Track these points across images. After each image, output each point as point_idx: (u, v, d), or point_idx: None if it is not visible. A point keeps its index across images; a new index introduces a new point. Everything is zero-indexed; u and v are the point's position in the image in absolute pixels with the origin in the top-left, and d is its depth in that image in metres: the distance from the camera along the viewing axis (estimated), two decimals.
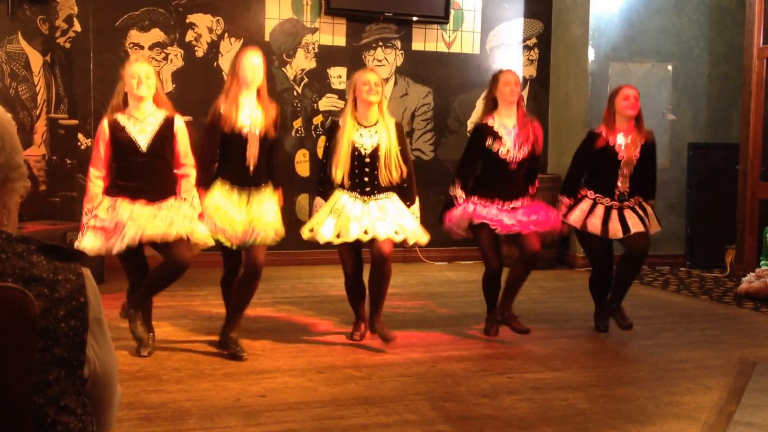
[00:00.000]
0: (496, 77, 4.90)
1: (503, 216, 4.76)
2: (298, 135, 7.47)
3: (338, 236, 4.52)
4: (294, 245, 7.45)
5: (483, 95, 5.03)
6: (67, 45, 6.81)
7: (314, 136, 7.47)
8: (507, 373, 4.22)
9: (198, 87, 7.06)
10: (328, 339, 4.81)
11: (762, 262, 6.65)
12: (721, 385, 4.05)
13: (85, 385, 1.41)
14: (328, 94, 7.51)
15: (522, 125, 4.83)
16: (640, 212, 4.97)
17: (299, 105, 7.47)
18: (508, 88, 4.80)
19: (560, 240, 7.73)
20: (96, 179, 4.34)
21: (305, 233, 4.66)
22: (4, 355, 1.25)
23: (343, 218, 4.54)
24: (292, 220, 7.75)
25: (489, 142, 4.80)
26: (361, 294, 4.81)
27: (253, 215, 4.45)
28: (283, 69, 7.38)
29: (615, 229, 4.87)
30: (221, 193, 4.47)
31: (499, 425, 3.47)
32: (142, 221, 4.22)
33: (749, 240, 7.23)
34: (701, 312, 5.93)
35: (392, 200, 4.66)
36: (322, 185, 4.76)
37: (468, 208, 4.81)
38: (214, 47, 7.21)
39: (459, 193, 4.86)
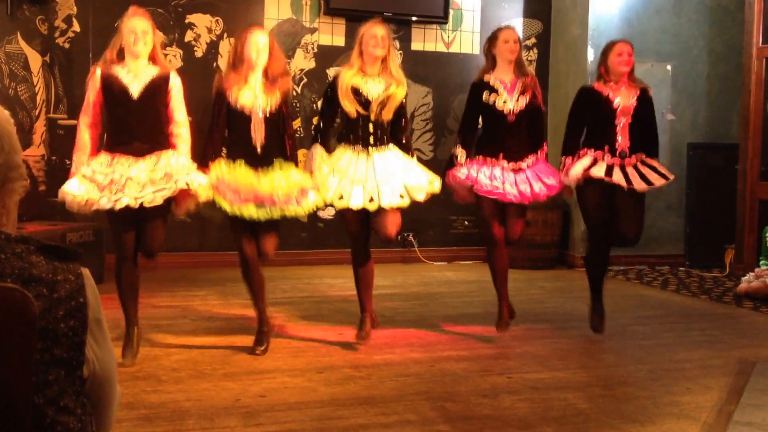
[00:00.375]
0: (495, 34, 4.85)
1: (507, 183, 4.66)
2: (297, 135, 7.46)
3: (340, 198, 4.44)
4: (293, 245, 7.47)
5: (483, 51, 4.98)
6: (67, 45, 6.81)
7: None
8: (507, 373, 4.22)
9: (197, 87, 7.04)
10: (328, 339, 4.81)
11: (761, 262, 6.65)
12: (721, 385, 4.05)
13: (84, 386, 1.41)
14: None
15: (520, 79, 4.77)
16: (643, 169, 4.83)
17: (298, 105, 7.48)
18: (508, 45, 4.75)
19: (560, 240, 7.74)
20: (85, 126, 4.21)
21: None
22: (4, 356, 1.25)
23: (346, 179, 4.46)
24: (291, 220, 7.75)
25: (486, 96, 4.75)
26: (367, 265, 4.64)
27: (265, 184, 4.35)
28: None
29: (618, 178, 4.71)
30: (227, 168, 4.38)
31: (499, 425, 3.47)
32: (140, 185, 4.08)
33: (749, 240, 7.24)
34: (701, 312, 5.93)
35: (395, 152, 4.59)
36: (321, 134, 4.64)
37: (471, 174, 4.70)
38: (213, 47, 7.21)
39: (459, 151, 4.80)
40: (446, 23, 7.79)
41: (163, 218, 4.27)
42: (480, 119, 4.91)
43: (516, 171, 4.74)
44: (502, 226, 4.80)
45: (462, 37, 7.92)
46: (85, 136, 4.22)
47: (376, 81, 4.58)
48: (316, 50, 7.48)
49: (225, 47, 7.19)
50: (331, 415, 3.52)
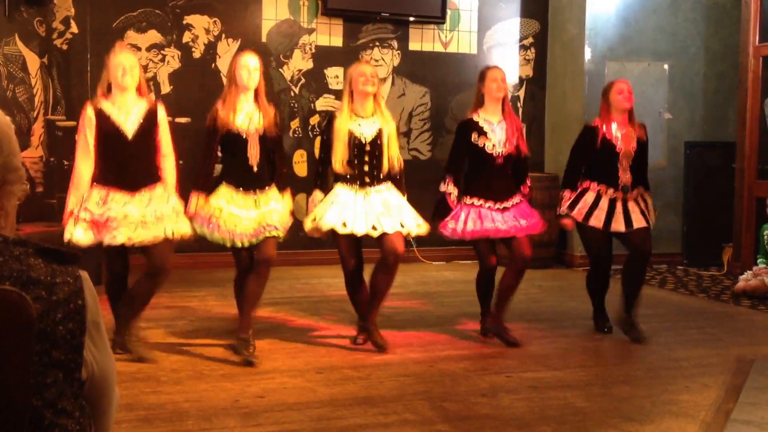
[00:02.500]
0: (483, 74, 4.94)
1: (498, 222, 4.74)
2: (295, 135, 7.47)
3: (344, 225, 4.50)
4: (292, 246, 7.46)
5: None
6: (64, 47, 6.81)
7: (311, 136, 7.47)
8: (505, 373, 4.23)
9: (195, 88, 7.06)
10: (327, 339, 4.81)
11: (759, 260, 6.66)
12: (719, 384, 4.06)
13: (83, 388, 1.41)
14: (326, 95, 7.51)
15: (508, 121, 4.86)
16: (642, 205, 4.99)
17: (296, 105, 7.48)
18: (495, 84, 4.82)
19: (558, 239, 7.75)
20: (84, 167, 4.33)
21: (308, 224, 4.65)
22: (2, 358, 1.25)
23: (348, 209, 4.54)
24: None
25: (474, 137, 4.82)
26: (363, 291, 4.75)
27: (262, 213, 4.48)
28: (280, 70, 7.39)
29: (618, 224, 4.87)
30: (226, 196, 4.48)
31: (498, 424, 3.48)
32: (133, 225, 4.25)
33: (746, 238, 7.24)
34: (698, 310, 5.94)
35: (391, 191, 4.68)
36: (320, 178, 4.76)
37: (458, 229, 4.76)
38: (211, 48, 7.21)
39: (450, 189, 4.86)
40: (444, 23, 7.79)
41: (169, 243, 4.40)
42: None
43: (502, 211, 4.80)
44: (494, 254, 4.88)
45: (459, 37, 7.93)
46: (83, 174, 4.34)
47: (369, 122, 4.66)
48: (314, 51, 7.49)
49: (223, 48, 7.20)
50: (330, 416, 3.52)
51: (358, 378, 4.07)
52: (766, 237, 6.65)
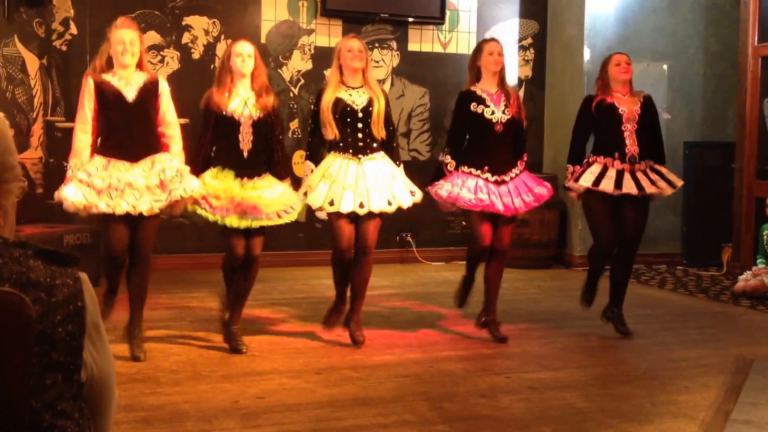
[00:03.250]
0: (480, 47, 4.94)
1: (492, 196, 4.71)
2: (295, 136, 7.47)
3: (331, 204, 4.51)
4: (291, 246, 7.47)
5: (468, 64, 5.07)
6: (64, 48, 6.81)
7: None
8: (505, 373, 4.23)
9: (194, 89, 7.03)
10: (326, 340, 4.81)
11: (758, 260, 6.66)
12: (719, 384, 4.06)
13: (82, 390, 1.41)
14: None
15: (504, 91, 4.87)
16: (653, 176, 4.93)
17: (296, 106, 7.48)
18: (492, 57, 4.83)
19: (558, 239, 7.75)
20: (82, 134, 4.28)
21: (299, 196, 4.63)
22: (1, 360, 1.25)
23: (337, 185, 4.54)
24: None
25: (474, 106, 4.82)
26: (347, 272, 4.72)
27: (249, 195, 4.44)
28: (279, 71, 7.39)
29: (629, 186, 4.81)
30: (214, 177, 4.47)
31: (498, 425, 3.48)
32: (138, 191, 4.18)
33: (746, 238, 7.25)
34: (698, 310, 5.94)
35: (384, 160, 4.70)
36: (310, 149, 4.78)
37: (453, 191, 4.72)
38: (210, 49, 7.21)
39: (448, 160, 4.85)
40: (443, 24, 7.79)
41: (157, 222, 4.38)
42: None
43: (498, 184, 4.78)
44: (489, 232, 4.80)
45: (458, 38, 7.93)
46: (82, 141, 4.28)
47: (359, 92, 4.69)
48: (313, 52, 7.49)
49: (222, 49, 7.19)
50: (329, 416, 3.52)
51: (357, 379, 4.07)
52: (765, 237, 6.65)
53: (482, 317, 4.94)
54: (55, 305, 1.33)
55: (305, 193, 4.60)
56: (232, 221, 4.40)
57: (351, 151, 4.62)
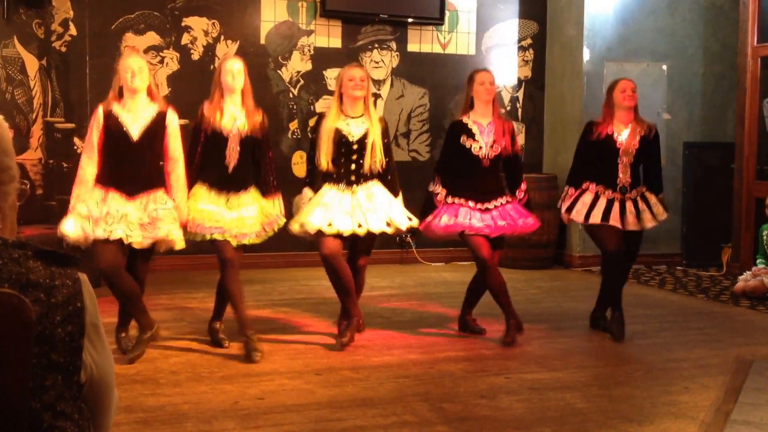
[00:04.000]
0: (472, 77, 5.01)
1: (474, 220, 4.80)
2: (294, 137, 7.47)
3: (329, 225, 4.54)
4: (291, 247, 7.47)
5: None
6: (63, 49, 6.81)
7: (310, 137, 7.47)
8: (505, 374, 4.23)
9: (194, 90, 7.05)
10: (326, 341, 4.81)
11: (758, 261, 6.66)
12: (719, 384, 4.06)
13: (81, 390, 1.41)
14: (324, 96, 7.51)
15: (496, 123, 4.91)
16: (642, 205, 5.01)
17: (295, 107, 7.48)
18: (483, 87, 4.90)
19: (558, 240, 7.75)
20: (87, 166, 4.38)
21: (295, 227, 4.69)
22: (1, 361, 1.25)
23: (333, 210, 4.59)
24: (289, 221, 7.73)
25: (463, 139, 4.88)
26: (343, 277, 4.70)
27: (233, 219, 4.53)
28: (278, 71, 7.39)
29: (614, 220, 4.92)
30: (200, 196, 4.56)
31: (497, 426, 3.48)
32: (132, 224, 4.30)
33: (745, 238, 7.25)
34: (698, 311, 5.94)
35: (379, 187, 4.74)
36: (310, 177, 4.84)
37: (440, 223, 4.84)
38: (209, 50, 7.21)
39: (438, 189, 4.93)
40: (442, 24, 7.79)
41: (150, 257, 4.58)
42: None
43: (483, 212, 4.86)
44: (489, 246, 4.86)
45: (458, 39, 7.93)
46: (87, 173, 4.38)
47: (358, 122, 4.72)
48: (312, 52, 7.49)
49: (222, 50, 7.19)
50: (329, 417, 3.52)
51: (357, 379, 4.07)
52: (765, 237, 6.65)
53: (508, 336, 4.90)
54: (55, 306, 1.33)
55: (301, 224, 4.64)
56: (223, 236, 4.49)
57: (344, 181, 4.67)
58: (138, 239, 4.31)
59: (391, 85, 7.74)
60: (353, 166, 4.68)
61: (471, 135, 4.88)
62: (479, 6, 7.97)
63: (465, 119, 4.94)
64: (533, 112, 8.23)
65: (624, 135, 4.99)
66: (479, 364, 4.41)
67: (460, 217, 4.81)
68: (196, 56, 7.17)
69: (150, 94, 4.47)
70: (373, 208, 4.64)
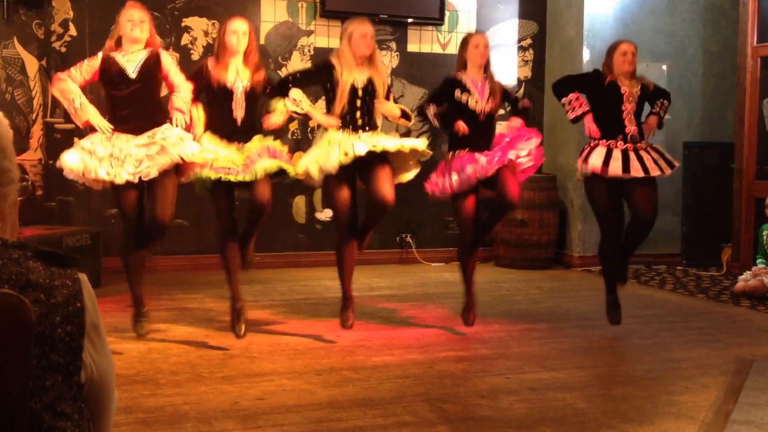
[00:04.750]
0: (466, 39, 5.09)
1: (481, 160, 4.78)
2: (294, 137, 7.47)
3: (346, 154, 4.53)
4: (291, 247, 7.47)
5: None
6: (63, 49, 6.81)
7: (310, 138, 7.46)
8: (505, 374, 4.23)
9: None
10: (326, 341, 4.81)
11: (758, 261, 6.66)
12: (719, 384, 4.06)
13: (81, 391, 1.41)
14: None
15: (490, 82, 4.99)
16: (654, 155, 5.00)
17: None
18: (478, 50, 4.97)
19: (558, 240, 7.75)
20: (69, 76, 4.47)
21: (300, 167, 4.66)
22: (1, 361, 1.25)
23: (345, 142, 4.57)
24: (288, 222, 7.76)
25: (458, 94, 4.93)
26: (353, 261, 4.79)
27: (247, 151, 4.61)
28: (278, 72, 7.39)
29: (636, 168, 4.87)
30: (210, 142, 4.62)
31: (498, 426, 3.48)
32: (138, 160, 4.33)
33: (745, 238, 7.25)
34: (698, 311, 5.94)
35: (383, 135, 4.80)
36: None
37: (446, 186, 4.85)
38: (209, 51, 7.20)
39: (434, 108, 4.94)
40: (442, 24, 7.79)
41: (172, 185, 4.47)
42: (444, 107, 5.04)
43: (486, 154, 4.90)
44: (477, 235, 4.96)
45: (458, 39, 7.91)
46: (68, 81, 4.47)
47: (361, 71, 4.75)
48: (312, 53, 7.49)
49: None
50: (329, 418, 3.52)
51: (357, 380, 4.07)
52: (765, 237, 6.65)
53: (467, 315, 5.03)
54: (55, 306, 1.33)
55: (315, 161, 4.61)
56: (238, 177, 4.53)
57: (351, 127, 4.69)
58: (145, 170, 4.33)
59: (391, 85, 7.73)
60: (358, 113, 4.71)
61: (466, 89, 4.93)
62: (479, 6, 7.97)
63: (459, 75, 5.00)
64: (533, 112, 8.22)
65: (626, 85, 5.02)
66: (479, 365, 4.41)
67: (469, 166, 4.79)
68: (196, 56, 7.16)
69: (149, 44, 4.54)
70: (384, 137, 4.68)
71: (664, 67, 7.89)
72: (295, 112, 4.73)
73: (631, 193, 4.95)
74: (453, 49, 7.92)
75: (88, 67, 4.52)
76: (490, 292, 6.04)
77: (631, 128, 4.96)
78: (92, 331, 1.42)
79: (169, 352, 4.51)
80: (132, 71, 4.48)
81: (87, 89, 4.64)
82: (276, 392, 3.85)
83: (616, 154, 4.90)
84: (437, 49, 7.87)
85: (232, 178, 4.53)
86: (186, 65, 7.09)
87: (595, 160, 4.90)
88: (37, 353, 1.29)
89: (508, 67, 8.10)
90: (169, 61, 4.62)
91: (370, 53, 4.75)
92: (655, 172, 4.90)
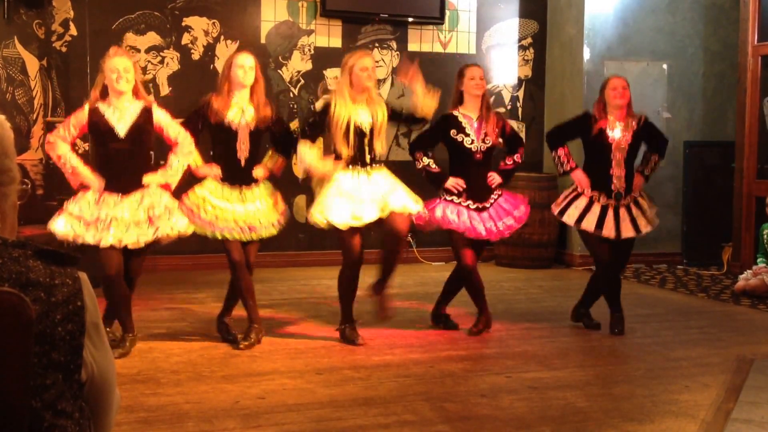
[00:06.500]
0: (462, 72, 5.03)
1: (475, 221, 4.85)
2: (294, 137, 7.46)
3: (356, 218, 4.54)
4: (292, 247, 7.47)
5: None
6: (64, 49, 6.81)
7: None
8: (505, 373, 4.23)
9: (194, 90, 7.04)
10: (326, 341, 4.81)
11: (759, 260, 6.66)
12: (719, 383, 4.06)
13: (82, 389, 1.41)
14: (325, 96, 7.50)
15: (486, 117, 4.94)
16: (636, 211, 4.99)
17: (295, 107, 7.48)
18: (474, 82, 4.93)
19: (558, 239, 7.75)
20: (59, 138, 4.41)
21: (314, 217, 4.64)
22: (1, 360, 1.25)
23: (356, 201, 4.58)
24: (289, 221, 7.74)
25: (453, 133, 4.91)
26: (356, 288, 4.80)
27: (247, 212, 4.60)
28: (279, 71, 7.39)
29: (608, 230, 4.91)
30: (210, 188, 4.61)
31: (498, 425, 3.48)
32: (125, 226, 4.31)
33: (746, 237, 7.24)
34: (698, 310, 5.94)
35: (385, 171, 4.79)
36: (306, 136, 4.74)
37: (437, 214, 4.87)
38: (210, 50, 7.21)
39: (425, 161, 4.94)
40: (442, 24, 7.79)
41: (145, 254, 4.56)
42: (438, 150, 5.09)
43: (479, 210, 4.90)
44: (473, 251, 4.96)
45: (458, 38, 7.93)
46: (61, 143, 4.43)
47: (363, 109, 4.74)
48: (312, 52, 7.49)
49: (222, 50, 7.19)
50: (330, 417, 3.53)
51: (358, 379, 4.08)
52: (765, 236, 6.65)
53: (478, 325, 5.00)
54: (55, 305, 1.33)
55: (321, 212, 4.61)
56: (233, 235, 4.56)
57: (359, 164, 4.70)
58: (132, 240, 4.31)
59: (392, 85, 7.73)
60: (366, 149, 4.71)
61: (461, 129, 4.91)
62: (479, 5, 7.97)
63: (455, 113, 4.97)
64: (533, 111, 8.23)
65: (617, 132, 4.96)
66: (480, 364, 4.41)
67: (463, 217, 4.85)
68: (196, 56, 7.16)
69: (135, 93, 4.45)
70: (390, 191, 4.65)
71: (665, 66, 7.89)
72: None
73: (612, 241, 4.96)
74: (453, 48, 7.93)
75: (76, 122, 4.41)
76: (490, 292, 6.01)
77: (617, 182, 4.93)
78: (92, 330, 1.42)
79: (170, 351, 4.51)
80: (121, 130, 4.37)
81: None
82: (277, 391, 3.85)
83: (595, 209, 4.93)
84: (438, 49, 7.87)
85: (218, 235, 4.55)
86: (186, 65, 7.11)
87: (572, 213, 4.97)
88: (37, 352, 1.29)
89: (508, 66, 8.10)
90: (162, 116, 4.50)
91: (370, 87, 4.73)
92: (627, 233, 4.92)
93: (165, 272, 6.74)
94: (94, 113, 4.39)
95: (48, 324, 1.32)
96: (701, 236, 7.84)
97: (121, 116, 4.39)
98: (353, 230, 4.61)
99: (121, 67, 4.34)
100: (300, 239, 7.53)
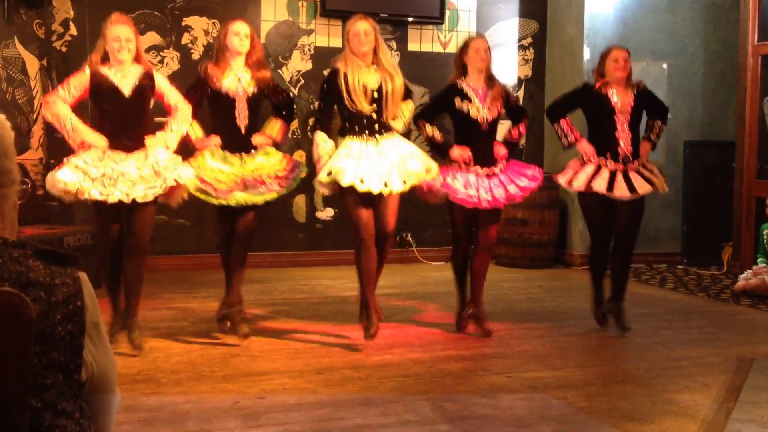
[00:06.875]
0: (466, 43, 4.98)
1: (481, 189, 4.77)
2: (294, 137, 7.47)
3: (362, 181, 4.46)
4: (292, 247, 7.47)
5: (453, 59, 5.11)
6: (64, 49, 6.81)
7: (311, 137, 7.47)
8: (505, 373, 4.23)
9: None
10: (327, 340, 4.81)
11: (759, 260, 6.66)
12: (719, 383, 4.06)
13: (82, 389, 1.41)
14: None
15: (491, 87, 4.90)
16: (646, 173, 4.95)
17: (296, 107, 7.46)
18: (478, 54, 4.87)
19: (558, 239, 7.75)
20: (59, 98, 4.31)
21: (322, 176, 4.55)
22: (1, 360, 1.25)
23: (363, 164, 4.50)
24: (289, 221, 7.77)
25: (458, 102, 4.85)
26: (375, 265, 4.72)
27: (255, 164, 4.61)
28: (279, 71, 7.39)
29: (621, 189, 4.83)
30: (212, 154, 4.60)
31: (498, 424, 3.48)
32: (131, 181, 4.24)
33: (746, 237, 7.24)
34: (698, 309, 5.94)
35: (398, 137, 4.72)
36: (321, 122, 4.70)
37: (447, 183, 4.77)
38: (210, 50, 7.20)
39: (429, 130, 4.86)
40: (442, 24, 7.79)
41: (152, 210, 4.43)
42: (443, 120, 5.07)
43: (489, 176, 4.84)
44: (470, 236, 4.93)
45: (458, 38, 7.91)
46: (58, 103, 4.31)
47: (371, 72, 4.67)
48: (312, 52, 7.49)
49: None
50: (330, 416, 3.53)
51: (358, 378, 4.08)
52: (765, 236, 6.65)
53: (469, 309, 4.98)
54: (55, 305, 1.33)
55: (329, 173, 4.52)
56: (237, 199, 4.52)
57: (367, 132, 4.62)
58: (140, 193, 4.23)
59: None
60: (374, 116, 4.63)
61: (466, 98, 4.85)
62: (479, 5, 7.97)
63: (459, 83, 4.90)
64: (533, 111, 8.22)
65: (618, 95, 4.92)
66: (480, 363, 4.41)
67: (470, 189, 4.75)
68: (196, 56, 7.16)
69: (137, 59, 4.43)
70: (396, 163, 4.56)
71: (665, 66, 7.88)
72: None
73: (617, 207, 4.91)
74: (453, 48, 7.91)
75: (77, 83, 4.34)
76: (490, 291, 6.01)
77: (624, 145, 4.89)
78: (92, 330, 1.42)
79: (170, 351, 4.51)
80: (126, 89, 4.35)
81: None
82: (277, 391, 3.85)
83: (604, 174, 4.87)
84: (438, 48, 7.87)
85: (232, 201, 4.51)
86: (186, 65, 7.11)
87: (581, 179, 4.89)
88: (37, 351, 1.29)
89: (508, 66, 8.10)
90: (163, 81, 4.52)
91: (369, 50, 4.66)
92: (643, 189, 4.84)
93: (165, 272, 6.74)
94: (96, 76, 4.34)
95: (48, 324, 1.32)
96: (701, 236, 7.84)
97: (124, 76, 4.37)
98: (359, 201, 4.51)
99: (123, 36, 4.32)
100: (300, 239, 7.53)
